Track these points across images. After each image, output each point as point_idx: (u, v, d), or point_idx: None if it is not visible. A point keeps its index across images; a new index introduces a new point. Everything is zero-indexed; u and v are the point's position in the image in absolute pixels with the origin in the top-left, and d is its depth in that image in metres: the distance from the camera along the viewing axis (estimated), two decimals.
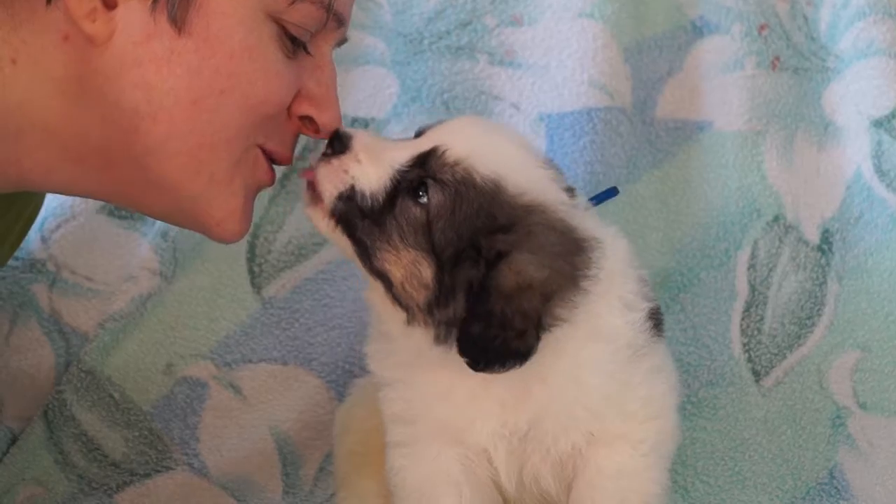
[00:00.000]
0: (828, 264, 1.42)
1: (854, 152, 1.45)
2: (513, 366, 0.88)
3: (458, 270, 0.90)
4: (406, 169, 0.91)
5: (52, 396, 1.33)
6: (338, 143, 0.92)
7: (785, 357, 1.38)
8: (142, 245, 1.41)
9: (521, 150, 1.02)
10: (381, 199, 0.91)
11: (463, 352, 0.89)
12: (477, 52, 1.48)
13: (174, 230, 1.39)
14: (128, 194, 0.98)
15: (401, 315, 0.92)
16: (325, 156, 0.93)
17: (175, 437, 1.33)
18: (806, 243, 1.44)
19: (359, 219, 0.91)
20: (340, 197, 0.91)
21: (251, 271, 1.41)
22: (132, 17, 0.87)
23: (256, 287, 1.41)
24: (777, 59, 1.49)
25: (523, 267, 0.89)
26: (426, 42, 1.49)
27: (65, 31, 0.88)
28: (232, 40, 0.90)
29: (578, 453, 0.97)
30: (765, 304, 1.41)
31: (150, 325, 1.37)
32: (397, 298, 0.92)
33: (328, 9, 0.94)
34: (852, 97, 1.46)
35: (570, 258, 0.93)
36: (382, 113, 1.46)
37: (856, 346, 1.37)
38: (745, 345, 1.39)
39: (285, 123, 0.98)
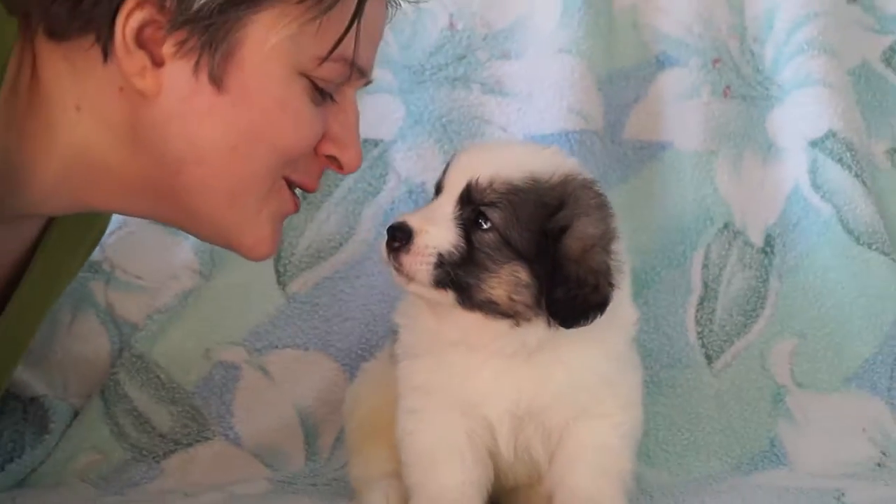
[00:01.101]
0: (770, 264, 1.42)
1: (793, 169, 1.45)
2: (595, 316, 0.90)
3: (543, 258, 0.90)
4: (459, 212, 0.92)
5: (108, 377, 1.34)
6: (401, 235, 0.91)
7: (733, 343, 1.39)
8: (184, 248, 1.40)
9: (525, 147, 1.06)
10: (462, 246, 0.91)
11: (553, 315, 0.90)
12: (471, 82, 1.47)
13: None
14: (175, 220, 0.98)
15: (504, 324, 0.92)
16: (395, 249, 0.91)
17: (213, 412, 1.34)
18: (751, 246, 1.44)
19: (454, 271, 0.91)
20: (436, 267, 0.91)
21: (277, 271, 1.41)
22: (178, 75, 0.87)
23: (282, 284, 1.40)
24: (728, 88, 1.49)
25: (583, 231, 0.92)
26: (427, 73, 1.48)
27: (120, 84, 0.87)
28: (266, 96, 0.89)
29: (565, 428, 0.98)
30: (716, 298, 1.41)
31: (191, 316, 1.37)
32: (503, 312, 0.91)
33: (352, 66, 0.93)
34: (792, 121, 1.46)
35: (606, 210, 0.96)
36: (390, 134, 1.46)
37: (793, 334, 1.38)
38: (699, 333, 1.39)
39: (312, 160, 0.97)
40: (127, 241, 1.40)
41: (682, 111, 1.48)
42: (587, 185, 0.96)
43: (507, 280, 0.91)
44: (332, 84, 0.94)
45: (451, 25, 1.49)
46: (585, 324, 0.91)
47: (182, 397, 1.35)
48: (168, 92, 0.88)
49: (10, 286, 1.04)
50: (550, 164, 0.95)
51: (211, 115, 0.88)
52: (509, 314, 0.92)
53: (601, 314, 0.91)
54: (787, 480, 1.22)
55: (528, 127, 1.45)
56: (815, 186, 1.43)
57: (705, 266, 1.43)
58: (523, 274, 0.91)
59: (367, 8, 0.92)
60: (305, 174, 0.98)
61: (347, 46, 0.91)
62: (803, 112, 1.46)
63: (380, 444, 1.06)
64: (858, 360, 1.35)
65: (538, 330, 0.92)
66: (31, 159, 0.89)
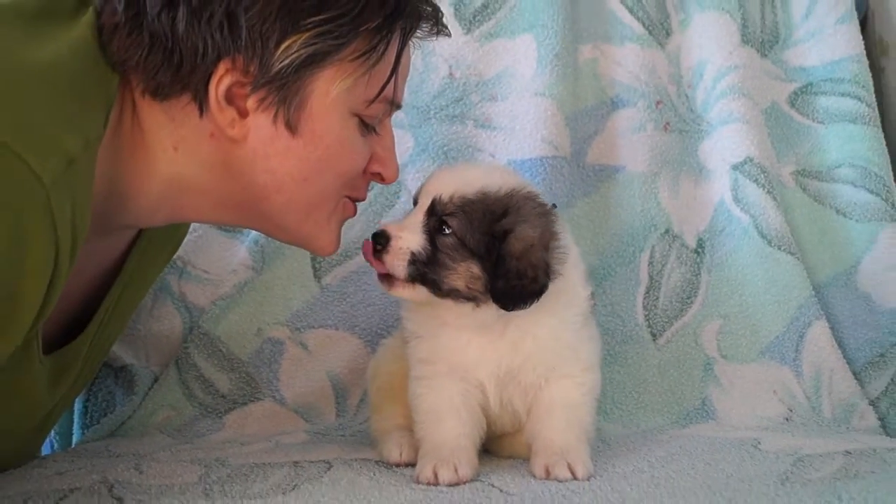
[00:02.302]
0: (701, 262, 1.43)
1: (719, 187, 1.46)
2: (532, 302, 0.91)
3: (491, 255, 0.92)
4: (427, 221, 0.94)
5: (181, 350, 1.35)
6: (382, 240, 0.94)
7: (672, 324, 1.39)
8: (240, 249, 1.42)
9: (482, 168, 1.05)
10: (427, 248, 0.93)
11: (496, 301, 0.91)
12: (466, 119, 1.48)
13: (263, 239, 1.39)
14: (260, 228, 1.00)
15: (468, 306, 0.94)
16: (378, 251, 0.94)
17: (263, 378, 1.35)
18: (687, 247, 1.44)
19: (423, 268, 0.93)
20: (409, 264, 0.93)
21: (314, 267, 1.42)
22: (260, 124, 0.89)
23: (318, 277, 1.41)
24: (668, 124, 1.51)
25: (523, 233, 0.92)
26: (432, 112, 1.49)
27: (211, 131, 0.89)
28: (329, 136, 0.91)
29: (539, 386, 0.99)
30: (659, 288, 1.41)
31: (246, 302, 1.38)
32: (465, 297, 0.93)
33: (392, 103, 0.97)
34: (718, 150, 1.47)
35: (547, 216, 0.96)
36: (402, 160, 1.42)
37: (719, 316, 1.39)
38: (645, 316, 1.40)
39: (362, 177, 1.00)
40: (196, 243, 1.41)
41: (632, 142, 1.50)
42: (530, 197, 0.96)
43: (463, 274, 0.93)
44: (376, 119, 0.96)
45: (451, 74, 1.51)
46: (524, 307, 0.91)
47: (239, 366, 1.35)
48: (253, 137, 0.89)
49: (100, 286, 1.04)
50: (499, 180, 0.95)
51: (287, 154, 0.90)
52: (470, 298, 0.94)
53: (538, 300, 0.92)
54: (715, 432, 1.23)
55: (511, 154, 1.46)
56: (737, 201, 1.44)
57: (650, 263, 1.43)
58: (476, 269, 0.93)
59: (403, 55, 0.95)
60: (357, 189, 1.00)
61: (389, 89, 0.94)
62: (727, 142, 1.47)
63: (395, 403, 1.07)
64: (770, 337, 1.35)
65: (491, 310, 0.94)
66: (136, 186, 0.91)
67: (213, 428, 1.28)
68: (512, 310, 0.92)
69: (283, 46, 0.86)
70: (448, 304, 0.95)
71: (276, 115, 0.89)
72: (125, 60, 0.86)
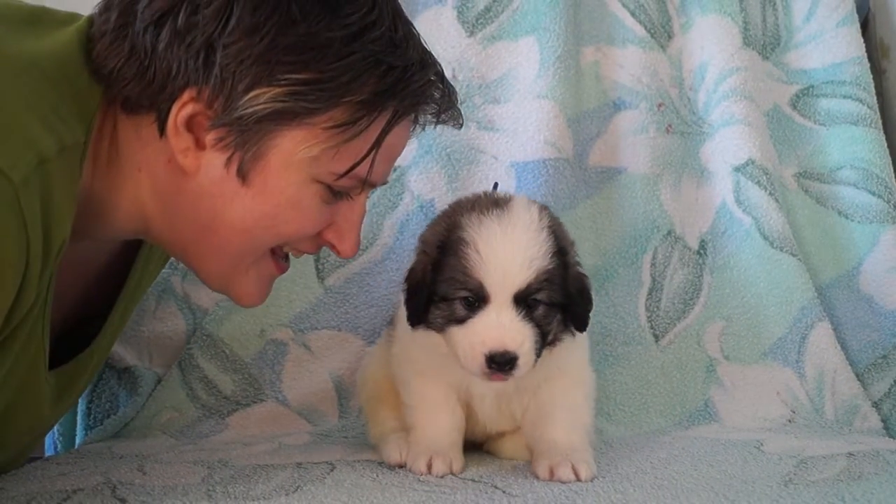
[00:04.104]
0: (703, 263, 1.43)
1: (721, 188, 1.46)
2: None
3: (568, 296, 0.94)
4: (519, 310, 0.88)
5: (184, 351, 1.35)
6: (508, 365, 0.87)
7: (675, 325, 1.39)
8: None
9: (516, 222, 0.90)
10: (534, 331, 0.90)
11: (579, 328, 0.95)
12: (469, 121, 1.47)
13: None
14: (195, 269, 0.95)
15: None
16: (508, 371, 0.88)
17: (266, 379, 1.35)
18: (689, 249, 1.44)
19: (538, 347, 0.90)
20: (532, 353, 0.89)
21: (317, 268, 1.41)
22: (213, 162, 0.85)
23: (321, 278, 1.41)
24: (670, 126, 1.50)
25: (572, 260, 0.95)
26: None
27: (168, 156, 0.86)
28: (281, 195, 0.86)
29: (537, 385, 0.99)
30: (661, 290, 1.41)
31: None
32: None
33: (364, 182, 0.90)
34: (720, 152, 1.47)
35: (561, 224, 0.97)
36: (406, 162, 1.45)
37: (722, 318, 1.39)
38: (648, 317, 1.40)
39: (313, 239, 0.94)
40: None
41: (634, 144, 1.49)
42: (553, 218, 0.95)
43: (556, 326, 0.93)
44: (345, 189, 0.90)
45: (454, 77, 1.50)
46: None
47: (242, 367, 1.35)
48: (203, 173, 0.86)
49: (98, 297, 1.02)
50: (536, 227, 0.90)
51: (233, 201, 0.86)
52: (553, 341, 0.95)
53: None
54: (718, 433, 1.23)
55: (513, 156, 1.46)
56: (739, 202, 1.44)
57: (653, 265, 1.43)
58: (560, 316, 0.93)
59: (389, 136, 0.88)
60: (305, 248, 0.96)
61: (363, 168, 0.88)
62: (729, 144, 1.46)
63: (388, 408, 1.08)
64: (773, 339, 1.35)
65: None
66: (113, 201, 0.89)
67: (216, 429, 1.28)
68: (584, 329, 0.95)
69: (251, 94, 0.82)
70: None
71: (230, 158, 0.85)
72: (102, 67, 0.84)
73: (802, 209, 1.46)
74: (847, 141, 1.47)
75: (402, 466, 1.00)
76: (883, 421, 1.27)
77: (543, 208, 0.96)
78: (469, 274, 0.88)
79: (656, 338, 1.39)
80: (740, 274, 1.40)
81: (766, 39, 1.55)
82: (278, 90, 0.82)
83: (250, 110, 0.82)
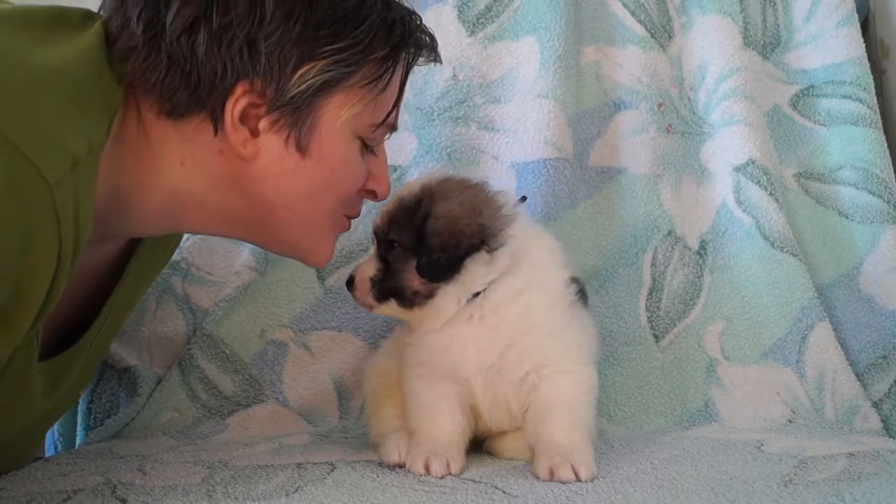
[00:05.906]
0: (703, 264, 1.43)
1: (721, 188, 1.45)
2: (458, 265, 0.96)
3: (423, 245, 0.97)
4: (378, 248, 1.02)
5: (184, 352, 1.34)
6: (350, 282, 1.04)
7: (675, 325, 1.39)
8: (244, 251, 1.41)
9: (406, 182, 1.10)
10: (381, 268, 1.01)
11: (422, 275, 0.96)
12: (469, 120, 1.48)
13: None
14: (258, 241, 1.02)
15: (430, 306, 0.99)
16: (352, 292, 1.04)
17: (266, 380, 1.35)
18: (689, 249, 1.44)
19: (383, 286, 1.00)
20: (371, 288, 1.01)
21: (317, 268, 1.41)
22: (272, 144, 0.91)
23: (321, 279, 1.41)
24: (670, 126, 1.50)
25: (442, 210, 0.97)
26: (435, 114, 1.49)
27: (220, 148, 0.91)
28: (335, 157, 0.95)
29: (534, 384, 0.99)
30: (662, 290, 1.41)
31: (249, 304, 1.38)
32: (426, 295, 0.98)
33: (392, 128, 1.02)
34: (720, 152, 1.47)
35: (471, 189, 1.00)
36: (406, 161, 1.46)
37: (722, 318, 1.38)
38: (648, 317, 1.40)
39: (358, 195, 1.03)
40: (200, 245, 1.41)
41: (634, 144, 1.49)
42: (446, 179, 1.02)
43: (411, 272, 0.97)
44: (375, 141, 1.01)
45: (455, 77, 1.51)
46: (452, 273, 0.96)
47: (242, 368, 1.35)
48: (264, 156, 0.92)
49: (95, 293, 1.04)
50: (416, 182, 1.03)
51: (296, 173, 0.93)
52: (429, 294, 0.98)
53: (462, 263, 0.96)
54: (718, 433, 1.22)
55: (513, 156, 1.46)
56: (739, 202, 1.44)
57: (653, 265, 1.43)
58: (415, 262, 0.97)
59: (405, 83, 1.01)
60: (354, 207, 1.05)
61: (393, 114, 1.00)
62: (729, 144, 1.46)
63: (390, 405, 1.09)
64: (773, 339, 1.35)
65: (446, 305, 0.98)
66: (139, 196, 0.92)
67: (216, 429, 1.28)
68: (438, 280, 0.96)
69: (299, 72, 0.89)
70: (414, 313, 1.00)
71: (287, 137, 0.92)
72: (142, 83, 0.87)
73: (803, 209, 1.45)
74: (847, 141, 1.47)
75: (400, 466, 1.00)
76: (883, 421, 1.26)
77: (445, 175, 1.04)
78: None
79: (656, 338, 1.38)
80: (740, 274, 1.40)
81: (766, 39, 1.55)
82: (322, 62, 0.90)
83: (303, 86, 0.89)
